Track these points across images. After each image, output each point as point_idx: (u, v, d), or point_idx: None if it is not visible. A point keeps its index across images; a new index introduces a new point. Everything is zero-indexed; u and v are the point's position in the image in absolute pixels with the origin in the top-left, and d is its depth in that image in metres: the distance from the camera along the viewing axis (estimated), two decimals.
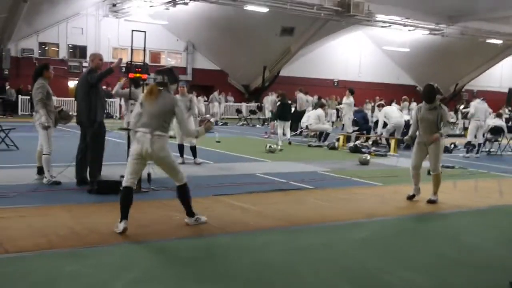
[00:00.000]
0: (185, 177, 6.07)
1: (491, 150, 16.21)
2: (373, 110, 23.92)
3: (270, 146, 14.17)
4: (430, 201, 7.99)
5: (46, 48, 29.94)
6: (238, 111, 31.39)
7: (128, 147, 7.40)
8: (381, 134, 16.62)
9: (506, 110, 29.36)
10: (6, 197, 7.16)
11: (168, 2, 25.52)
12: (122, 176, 6.09)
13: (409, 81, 41.93)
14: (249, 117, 30.08)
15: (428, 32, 32.85)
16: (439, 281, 4.77)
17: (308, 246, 5.63)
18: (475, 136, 15.31)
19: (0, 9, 21.12)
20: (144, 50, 8.70)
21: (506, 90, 41.46)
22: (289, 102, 18.00)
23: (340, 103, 24.45)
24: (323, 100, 23.14)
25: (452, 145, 16.31)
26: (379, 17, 29.96)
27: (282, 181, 9.55)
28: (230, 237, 5.88)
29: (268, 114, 26.52)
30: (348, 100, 18.86)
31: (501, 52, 39.39)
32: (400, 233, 6.51)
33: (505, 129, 16.61)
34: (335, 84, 38.11)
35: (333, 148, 15.74)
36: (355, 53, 39.35)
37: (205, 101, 30.10)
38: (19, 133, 13.45)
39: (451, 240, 6.22)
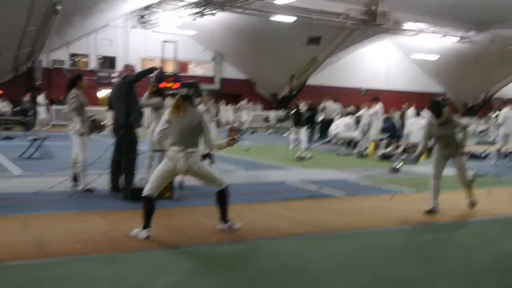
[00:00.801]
0: (225, 181, 6.11)
1: None
2: (401, 118, 23.53)
3: (300, 154, 14.14)
4: (471, 203, 7.96)
5: (76, 59, 30.59)
6: (266, 119, 31.40)
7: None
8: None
9: None
10: (43, 203, 7.32)
11: (196, 13, 25.78)
12: None
13: (438, 89, 41.40)
14: (277, 125, 30.05)
15: (458, 38, 32.44)
16: None
17: (343, 253, 5.60)
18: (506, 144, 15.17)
19: (32, 22, 21.61)
20: (174, 60, 8.85)
21: None
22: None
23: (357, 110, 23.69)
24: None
25: (484, 153, 16.07)
26: (406, 25, 29.70)
27: (313, 188, 9.54)
28: (264, 243, 5.88)
29: None
30: (374, 109, 18.63)
31: None
32: (436, 240, 6.42)
33: None
34: (363, 93, 37.70)
35: (362, 156, 15.65)
36: (382, 61, 39.06)
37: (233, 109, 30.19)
38: (53, 142, 13.72)
39: (487, 247, 6.11)
